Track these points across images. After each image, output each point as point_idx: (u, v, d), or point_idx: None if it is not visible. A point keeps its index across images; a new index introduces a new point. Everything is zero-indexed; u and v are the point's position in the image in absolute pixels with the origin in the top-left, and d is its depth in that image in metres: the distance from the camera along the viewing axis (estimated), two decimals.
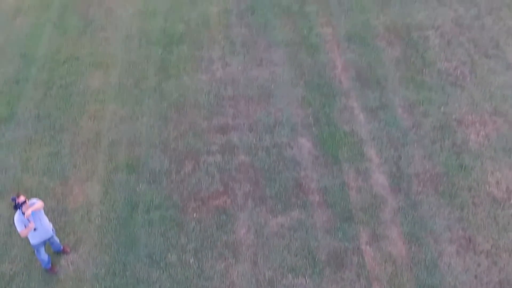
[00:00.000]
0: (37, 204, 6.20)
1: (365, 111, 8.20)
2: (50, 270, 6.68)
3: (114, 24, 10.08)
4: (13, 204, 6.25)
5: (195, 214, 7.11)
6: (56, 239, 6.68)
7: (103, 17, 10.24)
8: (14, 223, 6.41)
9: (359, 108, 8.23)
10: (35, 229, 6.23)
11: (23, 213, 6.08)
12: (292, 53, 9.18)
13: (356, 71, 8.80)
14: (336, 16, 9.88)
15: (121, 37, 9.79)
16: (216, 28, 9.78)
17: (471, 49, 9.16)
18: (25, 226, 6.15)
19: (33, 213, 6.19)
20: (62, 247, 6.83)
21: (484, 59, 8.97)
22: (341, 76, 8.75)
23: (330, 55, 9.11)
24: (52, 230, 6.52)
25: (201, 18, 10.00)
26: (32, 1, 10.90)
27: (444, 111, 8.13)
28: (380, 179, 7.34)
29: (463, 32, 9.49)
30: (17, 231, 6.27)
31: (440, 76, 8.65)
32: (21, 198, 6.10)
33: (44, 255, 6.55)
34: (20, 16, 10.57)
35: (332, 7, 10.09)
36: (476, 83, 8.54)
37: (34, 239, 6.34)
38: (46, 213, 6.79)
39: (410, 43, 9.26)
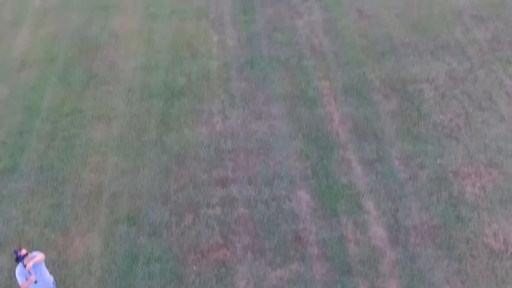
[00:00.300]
0: (38, 256, 6.28)
1: (363, 163, 8.35)
2: None
3: (117, 78, 10.35)
4: (14, 256, 6.33)
5: (195, 267, 7.16)
6: None
7: (106, 71, 10.52)
8: (15, 275, 6.46)
9: (357, 160, 8.39)
10: (36, 282, 6.28)
11: (25, 266, 6.15)
12: (291, 107, 9.40)
13: (353, 124, 9.00)
14: (333, 70, 10.15)
15: (124, 90, 10.03)
16: (216, 82, 10.04)
17: (465, 101, 9.38)
18: (26, 279, 6.20)
19: (34, 265, 6.25)
20: None
21: (478, 111, 9.18)
22: (339, 129, 8.94)
23: (328, 108, 9.33)
24: (53, 283, 6.56)
25: (202, 72, 10.27)
26: (37, 55, 11.21)
27: (440, 163, 8.28)
28: (378, 232, 7.43)
29: (456, 85, 9.74)
30: (18, 283, 6.32)
31: (436, 129, 8.84)
32: (23, 251, 6.19)
33: None
34: (26, 69, 10.85)
35: (329, 61, 10.38)
36: (471, 135, 8.72)
37: None
38: (47, 265, 6.84)
39: (406, 96, 9.50)
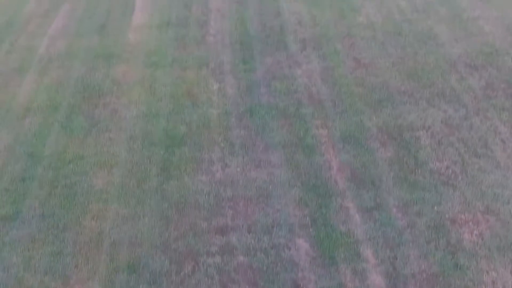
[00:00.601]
0: None
1: (361, 211, 8.44)
2: None
3: (119, 125, 10.53)
4: None
5: None
6: None
7: (108, 118, 10.71)
8: None
9: (355, 208, 8.48)
10: None
11: None
12: (289, 155, 9.55)
13: (351, 172, 9.13)
14: (331, 118, 10.36)
15: (125, 137, 10.20)
16: (216, 130, 10.21)
17: (461, 148, 9.54)
18: None
19: None
20: None
21: (474, 158, 9.33)
22: (337, 177, 9.07)
23: (326, 156, 9.48)
24: None
25: (202, 120, 10.47)
26: (41, 102, 11.42)
27: (437, 210, 8.37)
28: (376, 280, 7.46)
29: (452, 132, 9.92)
30: None
31: (433, 176, 8.96)
32: None
33: None
34: (30, 116, 11.04)
35: (327, 109, 10.59)
36: (467, 182, 8.83)
37: None
38: None
39: (403, 144, 9.66)
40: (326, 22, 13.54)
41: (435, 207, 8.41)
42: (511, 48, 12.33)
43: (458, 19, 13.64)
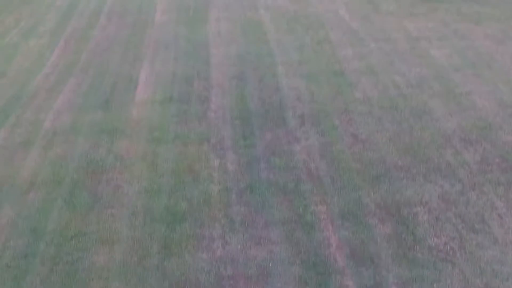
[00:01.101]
0: None
1: None
2: None
3: (121, 201, 10.69)
4: None
5: None
6: None
7: (111, 194, 10.88)
8: None
9: (354, 286, 8.51)
10: None
11: None
12: (289, 232, 9.66)
13: (350, 249, 9.22)
14: (329, 194, 10.53)
15: (127, 214, 10.33)
16: (217, 206, 10.36)
17: (458, 224, 9.67)
18: None
19: None
20: None
21: (472, 234, 9.44)
22: (336, 254, 9.14)
23: (325, 233, 9.59)
24: None
25: (203, 197, 10.62)
26: (45, 176, 11.61)
27: None
28: None
29: (449, 207, 10.08)
30: None
31: (431, 252, 9.04)
32: None
33: None
34: (33, 191, 11.20)
35: (326, 185, 10.79)
36: (466, 259, 8.90)
37: None
38: None
39: (401, 220, 9.79)
40: (324, 98, 13.96)
41: (435, 285, 8.45)
42: (504, 123, 12.67)
43: (451, 93, 14.08)
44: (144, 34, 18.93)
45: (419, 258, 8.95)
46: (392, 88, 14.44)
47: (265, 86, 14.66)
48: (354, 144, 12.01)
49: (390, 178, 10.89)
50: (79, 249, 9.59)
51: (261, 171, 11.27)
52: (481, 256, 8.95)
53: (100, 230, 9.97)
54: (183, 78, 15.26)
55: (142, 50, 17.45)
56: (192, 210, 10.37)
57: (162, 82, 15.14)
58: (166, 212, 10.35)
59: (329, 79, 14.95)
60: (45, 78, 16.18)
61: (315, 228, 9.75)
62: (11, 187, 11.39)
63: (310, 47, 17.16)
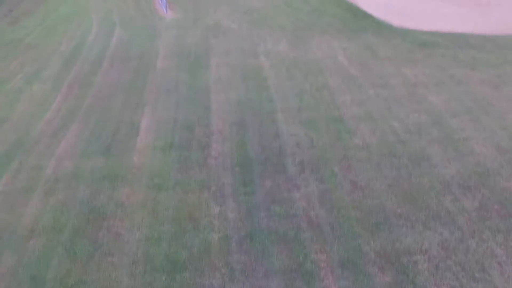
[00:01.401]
0: None
1: None
2: None
3: (121, 249, 10.69)
4: None
5: None
6: None
7: (111, 242, 10.89)
8: None
9: None
10: None
11: None
12: (289, 281, 9.65)
13: None
14: (329, 242, 10.55)
15: (127, 262, 10.33)
16: (217, 255, 10.36)
17: (458, 273, 9.66)
18: None
19: None
20: None
21: (472, 282, 9.43)
22: None
23: (325, 283, 9.58)
24: None
25: (203, 245, 10.64)
26: (46, 223, 11.64)
27: None
28: None
29: (449, 255, 10.09)
30: None
31: None
32: None
33: None
34: (34, 238, 11.21)
35: (325, 233, 10.81)
36: None
37: None
38: None
39: (400, 268, 9.79)
40: (323, 144, 14.05)
41: None
42: (502, 169, 12.76)
43: (449, 139, 14.17)
44: (146, 79, 19.16)
45: None
46: (390, 134, 14.54)
47: (265, 132, 14.75)
48: (353, 191, 12.06)
49: (389, 225, 10.91)
50: None
51: (261, 219, 11.29)
52: None
53: (101, 279, 9.95)
54: (184, 124, 15.36)
55: (144, 96, 17.64)
56: (192, 258, 10.36)
57: (163, 128, 15.25)
58: (167, 261, 10.33)
59: (328, 125, 15.05)
60: (48, 123, 16.30)
61: (315, 278, 9.73)
62: (12, 234, 11.40)
63: (309, 93, 17.34)
